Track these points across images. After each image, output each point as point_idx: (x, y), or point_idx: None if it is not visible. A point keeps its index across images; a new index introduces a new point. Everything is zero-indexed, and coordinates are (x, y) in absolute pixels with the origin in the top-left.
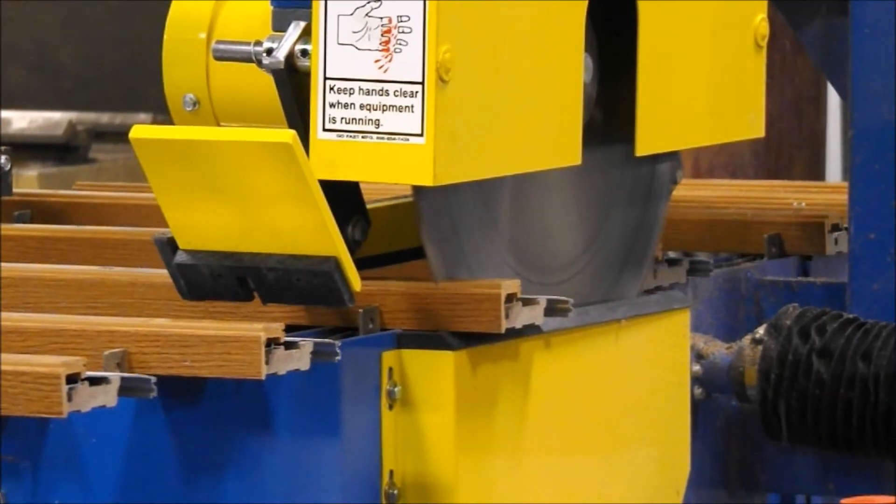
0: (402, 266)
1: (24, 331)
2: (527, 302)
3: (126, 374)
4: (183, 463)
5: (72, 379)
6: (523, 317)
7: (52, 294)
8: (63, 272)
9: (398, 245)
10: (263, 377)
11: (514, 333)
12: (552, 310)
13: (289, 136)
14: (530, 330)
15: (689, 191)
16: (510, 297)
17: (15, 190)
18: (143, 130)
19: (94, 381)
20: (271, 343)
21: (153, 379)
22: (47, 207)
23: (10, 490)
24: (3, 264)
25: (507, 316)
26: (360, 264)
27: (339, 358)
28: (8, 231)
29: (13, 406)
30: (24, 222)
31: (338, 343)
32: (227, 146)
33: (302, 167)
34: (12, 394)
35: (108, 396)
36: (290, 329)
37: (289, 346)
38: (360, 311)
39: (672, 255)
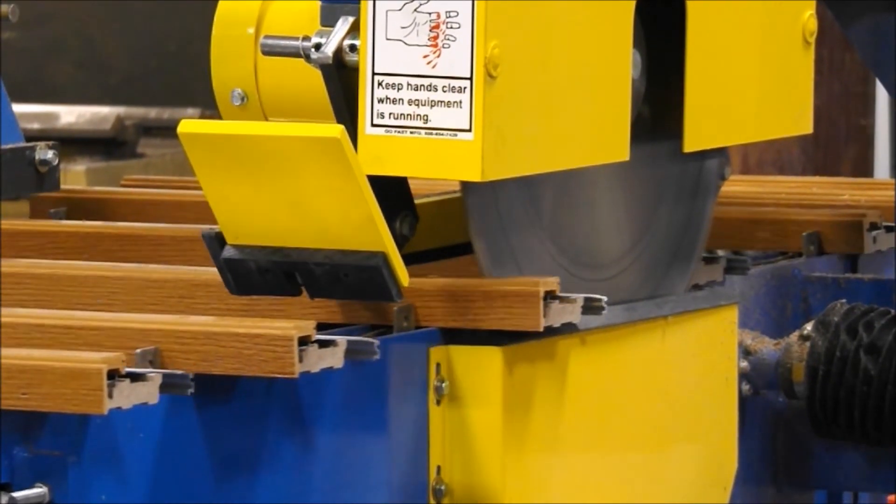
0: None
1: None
2: (564, 300)
3: (351, 338)
4: (216, 461)
5: (302, 341)
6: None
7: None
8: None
9: (446, 241)
10: (542, 328)
11: (560, 330)
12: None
13: (337, 130)
14: (576, 327)
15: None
16: (549, 295)
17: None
18: (191, 125)
19: (323, 344)
20: (548, 296)
21: (376, 343)
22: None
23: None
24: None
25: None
26: (409, 259)
27: (604, 310)
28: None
29: (246, 366)
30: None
31: (605, 298)
32: (276, 141)
33: (350, 162)
34: (247, 355)
35: (335, 358)
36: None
37: (563, 300)
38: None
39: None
